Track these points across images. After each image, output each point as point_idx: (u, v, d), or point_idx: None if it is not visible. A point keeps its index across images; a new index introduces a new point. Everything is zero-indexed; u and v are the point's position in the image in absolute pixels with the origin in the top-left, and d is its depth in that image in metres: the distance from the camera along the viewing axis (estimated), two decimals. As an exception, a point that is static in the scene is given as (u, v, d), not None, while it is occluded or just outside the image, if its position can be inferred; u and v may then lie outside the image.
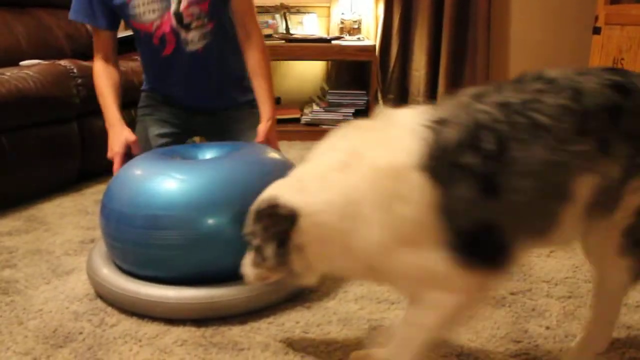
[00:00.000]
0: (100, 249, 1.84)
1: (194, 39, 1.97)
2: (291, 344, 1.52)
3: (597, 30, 3.77)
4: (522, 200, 1.11)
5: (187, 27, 1.94)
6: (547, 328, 1.61)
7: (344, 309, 1.70)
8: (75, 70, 2.80)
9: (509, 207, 1.11)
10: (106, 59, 2.06)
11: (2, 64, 2.91)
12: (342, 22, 4.37)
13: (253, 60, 2.01)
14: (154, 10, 1.92)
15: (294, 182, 1.23)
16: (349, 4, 4.35)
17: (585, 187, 1.14)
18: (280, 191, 1.21)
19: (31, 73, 2.63)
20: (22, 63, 2.95)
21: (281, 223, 1.17)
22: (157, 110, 2.20)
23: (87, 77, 2.81)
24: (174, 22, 1.93)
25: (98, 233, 2.08)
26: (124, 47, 3.68)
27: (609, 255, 1.27)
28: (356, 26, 4.36)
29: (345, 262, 1.19)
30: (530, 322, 1.63)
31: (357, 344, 1.53)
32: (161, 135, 2.15)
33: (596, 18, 3.77)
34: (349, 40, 4.14)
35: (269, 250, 1.21)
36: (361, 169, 1.13)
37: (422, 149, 1.10)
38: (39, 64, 2.83)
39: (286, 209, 1.16)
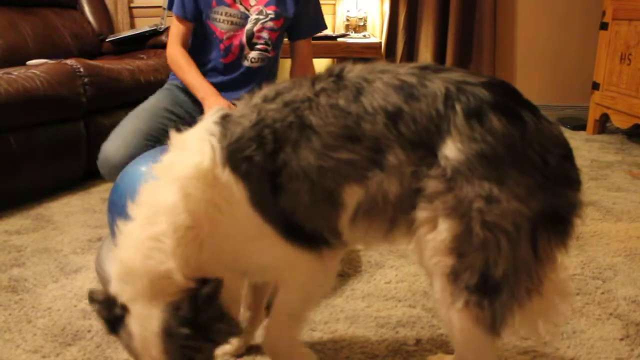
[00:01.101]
0: (109, 246, 1.85)
1: (253, 58, 2.19)
2: (299, 342, 1.52)
3: (604, 26, 3.74)
4: (299, 202, 1.08)
5: (253, 46, 2.18)
6: (555, 325, 1.60)
7: (351, 306, 1.70)
8: (81, 69, 2.80)
9: (293, 207, 1.09)
10: (184, 46, 2.21)
11: (9, 63, 2.93)
12: (347, 20, 4.36)
13: None
14: (231, 22, 2.14)
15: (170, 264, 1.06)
16: (355, 1, 4.34)
17: (352, 198, 1.07)
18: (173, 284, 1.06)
19: (38, 72, 2.64)
20: (29, 62, 2.97)
21: (214, 302, 1.06)
22: (176, 97, 2.27)
23: (94, 76, 2.83)
24: (244, 38, 2.16)
25: (105, 231, 2.09)
26: (129, 46, 3.73)
27: (446, 307, 1.06)
28: (362, 23, 4.35)
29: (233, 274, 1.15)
30: (538, 319, 1.63)
31: (364, 342, 1.53)
32: (170, 112, 2.21)
33: (603, 13, 3.75)
34: (355, 38, 4.13)
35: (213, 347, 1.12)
36: (175, 193, 1.07)
37: (214, 145, 1.09)
38: (45, 63, 2.84)
39: (203, 286, 1.05)
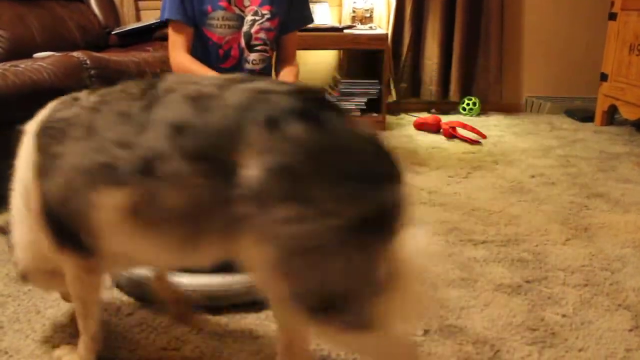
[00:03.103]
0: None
1: (254, 60, 2.16)
2: (306, 332, 1.52)
3: (613, 16, 3.71)
4: (54, 195, 1.14)
5: (252, 48, 2.15)
6: (564, 316, 1.60)
7: (359, 297, 1.70)
8: (88, 62, 2.80)
9: (52, 195, 1.14)
10: (188, 52, 2.13)
11: (16, 56, 2.93)
12: (354, 11, 4.34)
13: (285, 78, 2.22)
14: (228, 26, 2.10)
15: None
16: (361, -7, 4.32)
17: (109, 200, 1.05)
18: None
19: (45, 64, 2.63)
20: (36, 55, 2.97)
21: None
22: None
23: (100, 69, 2.83)
24: (242, 41, 2.13)
25: (113, 223, 2.09)
26: (136, 39, 3.73)
27: (302, 330, 1.09)
28: (368, 15, 4.33)
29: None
30: (546, 310, 1.62)
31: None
32: None
33: (612, 3, 3.72)
34: (361, 29, 4.12)
35: None
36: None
37: (40, 118, 1.24)
38: (52, 55, 2.84)
39: None
